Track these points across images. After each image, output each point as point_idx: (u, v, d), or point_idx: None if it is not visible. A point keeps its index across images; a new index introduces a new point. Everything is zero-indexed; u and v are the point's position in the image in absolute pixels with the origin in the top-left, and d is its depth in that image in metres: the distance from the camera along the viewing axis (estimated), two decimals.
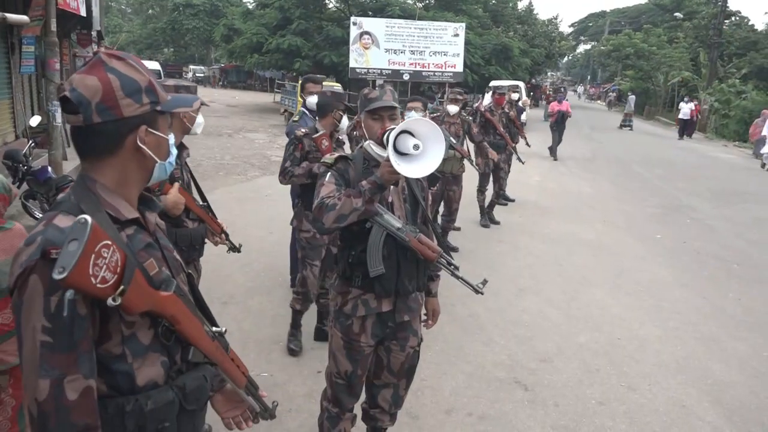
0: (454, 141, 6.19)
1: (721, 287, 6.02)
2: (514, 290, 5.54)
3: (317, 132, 3.92)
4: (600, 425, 3.44)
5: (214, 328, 1.42)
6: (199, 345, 1.35)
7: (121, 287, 1.12)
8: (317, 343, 4.13)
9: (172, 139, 1.38)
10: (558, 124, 14.47)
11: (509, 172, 8.31)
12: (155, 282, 1.25)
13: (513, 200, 9.38)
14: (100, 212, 1.22)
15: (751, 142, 19.07)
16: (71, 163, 9.59)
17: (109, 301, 1.11)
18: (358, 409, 2.70)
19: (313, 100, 4.86)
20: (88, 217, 1.07)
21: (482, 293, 2.49)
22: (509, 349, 4.33)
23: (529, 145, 9.47)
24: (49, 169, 6.40)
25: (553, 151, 14.84)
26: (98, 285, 1.08)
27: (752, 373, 4.20)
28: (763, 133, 17.50)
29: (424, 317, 2.67)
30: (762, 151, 17.28)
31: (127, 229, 1.28)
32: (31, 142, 7.04)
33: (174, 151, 1.39)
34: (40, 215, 6.43)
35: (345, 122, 4.06)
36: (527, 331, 4.67)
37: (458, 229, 7.13)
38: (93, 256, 1.05)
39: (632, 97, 28.50)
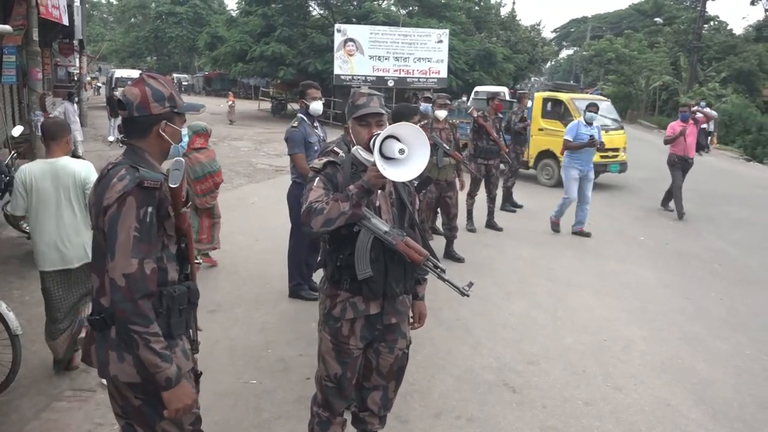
0: (447, 147, 6.18)
1: (704, 288, 6.11)
2: (501, 294, 5.58)
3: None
4: (587, 425, 3.47)
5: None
6: (192, 263, 2.08)
7: (190, 202, 1.97)
8: (306, 350, 4.12)
9: (184, 131, 2.09)
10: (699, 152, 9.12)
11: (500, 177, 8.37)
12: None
13: (521, 206, 9.50)
14: (154, 167, 1.92)
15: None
16: None
17: (183, 209, 1.92)
18: (347, 415, 2.71)
19: (316, 106, 4.86)
20: (182, 159, 1.94)
21: (468, 296, 2.49)
22: (497, 352, 4.36)
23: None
24: None
25: (676, 202, 9.35)
26: (182, 196, 1.92)
27: (735, 372, 4.26)
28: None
29: (411, 320, 2.69)
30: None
31: None
32: (13, 152, 6.99)
33: (185, 139, 1.99)
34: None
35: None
36: (514, 334, 4.71)
37: (440, 233, 7.10)
38: (182, 179, 1.88)
39: None
